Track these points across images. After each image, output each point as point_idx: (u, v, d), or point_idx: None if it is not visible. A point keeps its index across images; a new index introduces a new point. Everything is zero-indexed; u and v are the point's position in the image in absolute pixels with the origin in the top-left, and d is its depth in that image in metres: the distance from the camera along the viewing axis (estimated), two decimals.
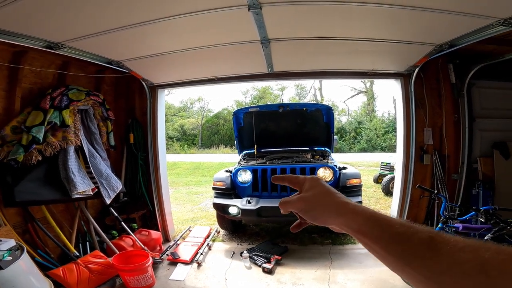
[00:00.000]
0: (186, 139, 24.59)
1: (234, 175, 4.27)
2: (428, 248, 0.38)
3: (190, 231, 4.62)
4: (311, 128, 5.25)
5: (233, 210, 3.91)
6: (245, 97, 26.53)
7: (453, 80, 3.75)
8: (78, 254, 3.04)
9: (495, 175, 3.82)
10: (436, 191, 3.39)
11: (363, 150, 20.09)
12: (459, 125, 3.81)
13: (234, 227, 4.62)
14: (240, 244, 4.24)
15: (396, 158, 4.27)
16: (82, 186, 3.03)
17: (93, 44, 2.61)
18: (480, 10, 2.01)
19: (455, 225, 3.04)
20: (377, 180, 8.39)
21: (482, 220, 2.73)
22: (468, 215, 2.96)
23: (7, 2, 1.77)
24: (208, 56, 3.09)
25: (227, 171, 4.50)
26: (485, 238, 2.58)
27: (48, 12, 1.98)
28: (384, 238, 0.43)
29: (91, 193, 3.17)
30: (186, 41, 2.74)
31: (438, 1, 1.93)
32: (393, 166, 7.54)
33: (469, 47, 2.73)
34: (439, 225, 3.08)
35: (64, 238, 3.04)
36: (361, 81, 23.07)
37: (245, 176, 4.23)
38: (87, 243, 3.41)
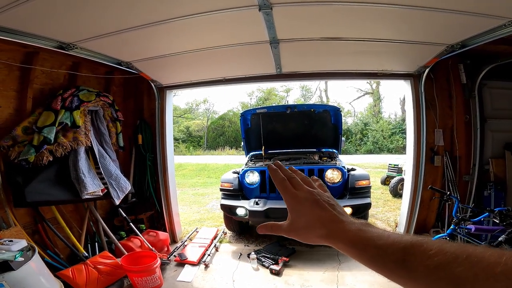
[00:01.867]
0: (191, 141, 24.70)
1: (241, 177, 4.26)
2: (402, 267, 0.40)
3: (197, 232, 4.62)
4: (318, 130, 5.22)
5: (240, 212, 3.90)
6: (250, 98, 26.56)
7: (463, 81, 3.70)
8: (87, 254, 3.06)
9: (507, 177, 3.76)
10: (448, 192, 3.34)
11: (370, 151, 19.92)
12: (470, 126, 3.76)
13: (241, 229, 4.61)
14: (247, 246, 4.22)
15: (406, 160, 4.22)
16: (92, 186, 3.06)
17: (103, 44, 2.64)
18: (493, 11, 1.99)
19: (468, 226, 2.98)
20: (385, 181, 8.30)
21: (496, 221, 2.67)
22: (481, 216, 2.91)
23: (20, 2, 1.79)
24: (217, 57, 3.10)
25: (234, 172, 4.49)
26: (499, 239, 2.53)
27: (60, 13, 2.00)
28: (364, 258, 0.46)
29: (101, 194, 3.20)
30: (196, 42, 2.75)
31: (451, 1, 1.91)
32: (401, 167, 7.45)
33: (480, 47, 2.70)
34: (452, 227, 3.02)
35: (74, 238, 3.07)
36: (367, 82, 22.91)
37: (253, 178, 4.21)
38: (96, 243, 3.43)
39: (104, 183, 3.27)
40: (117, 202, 3.36)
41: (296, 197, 0.54)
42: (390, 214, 5.70)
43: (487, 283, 0.32)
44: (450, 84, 3.77)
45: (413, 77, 3.72)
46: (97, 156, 3.39)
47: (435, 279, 0.36)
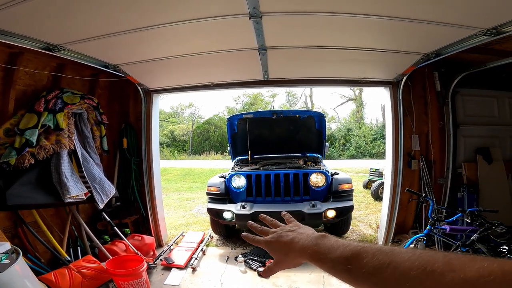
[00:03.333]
0: (176, 145, 24.37)
1: (228, 181, 4.30)
2: (349, 275, 0.47)
3: (183, 236, 4.59)
4: (303, 135, 5.36)
5: (227, 215, 3.93)
6: (237, 103, 26.66)
7: (438, 88, 3.94)
8: (70, 258, 2.98)
9: (479, 179, 3.99)
10: (424, 194, 3.53)
11: (352, 157, 20.45)
12: (444, 131, 3.98)
13: (227, 232, 4.62)
14: (234, 249, 4.24)
15: (386, 164, 4.40)
16: (75, 190, 2.99)
17: (91, 47, 2.62)
18: (465, 21, 2.13)
19: (443, 226, 3.15)
20: (367, 185, 8.57)
21: (468, 221, 2.86)
22: (455, 216, 3.09)
23: (10, 4, 1.78)
24: (205, 62, 3.15)
25: (221, 177, 4.53)
26: (472, 238, 2.70)
27: (48, 14, 1.98)
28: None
29: (84, 198, 3.13)
30: (185, 47, 2.80)
31: (426, 12, 2.05)
32: (381, 172, 7.73)
33: (454, 56, 2.87)
34: (428, 227, 3.19)
35: (55, 242, 2.98)
36: (350, 89, 23.62)
37: (239, 182, 4.26)
38: (78, 247, 3.34)
39: (88, 187, 3.21)
40: (101, 206, 3.30)
41: (267, 243, 0.65)
42: (372, 217, 5.90)
43: (405, 285, 0.39)
44: (426, 92, 4.00)
45: (392, 85, 3.93)
46: (81, 160, 3.33)
47: (372, 283, 0.43)
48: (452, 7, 1.96)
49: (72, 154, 3.31)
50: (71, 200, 3.02)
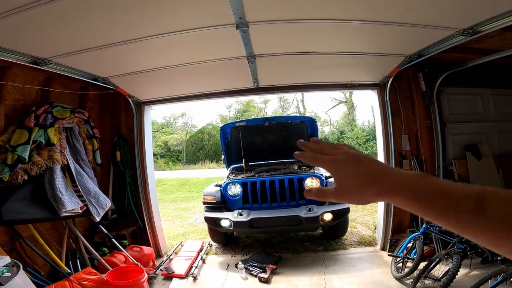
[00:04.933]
0: (170, 155, 24.21)
1: (224, 189, 4.31)
2: (478, 216, 0.37)
3: (182, 245, 4.57)
4: (296, 140, 5.37)
5: (225, 223, 3.93)
6: (229, 111, 26.72)
7: (423, 88, 4.04)
8: (70, 271, 2.95)
9: (470, 176, 4.07)
10: None
11: None
12: (432, 130, 4.07)
13: (226, 240, 4.61)
14: (234, 256, 4.22)
15: None
16: (71, 204, 2.97)
17: (79, 60, 2.63)
18: (442, 22, 2.23)
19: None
20: None
21: None
22: None
23: None
24: (196, 72, 3.20)
25: (216, 185, 4.53)
26: None
27: (35, 28, 1.99)
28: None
29: (80, 211, 3.12)
30: (174, 58, 2.84)
31: (406, 15, 2.14)
32: None
33: (436, 56, 2.97)
34: (424, 226, 3.27)
35: (54, 255, 2.97)
36: (341, 92, 23.95)
37: (235, 190, 4.27)
38: (77, 260, 3.32)
39: (83, 201, 3.19)
40: (98, 219, 3.28)
41: (337, 161, 0.51)
42: (369, 218, 5.93)
43: None
44: (412, 92, 4.10)
45: (379, 87, 4.02)
46: (74, 174, 3.31)
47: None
48: (429, 9, 2.05)
49: (66, 168, 3.29)
50: (67, 214, 3.00)
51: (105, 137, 4.20)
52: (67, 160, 3.24)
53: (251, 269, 3.60)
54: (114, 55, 2.62)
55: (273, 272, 3.55)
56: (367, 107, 26.80)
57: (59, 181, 3.01)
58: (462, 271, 2.83)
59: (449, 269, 2.65)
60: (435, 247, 3.58)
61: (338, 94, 24.85)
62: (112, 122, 4.43)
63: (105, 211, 3.40)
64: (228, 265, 3.88)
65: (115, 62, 2.84)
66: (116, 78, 3.24)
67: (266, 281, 3.36)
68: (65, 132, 3.38)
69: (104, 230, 3.62)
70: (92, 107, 4.21)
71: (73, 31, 2.11)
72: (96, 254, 3.35)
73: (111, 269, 3.13)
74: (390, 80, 3.80)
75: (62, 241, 3.23)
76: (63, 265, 2.97)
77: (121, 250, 3.55)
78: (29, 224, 2.94)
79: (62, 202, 2.88)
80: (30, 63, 2.46)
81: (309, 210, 3.85)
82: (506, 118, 4.30)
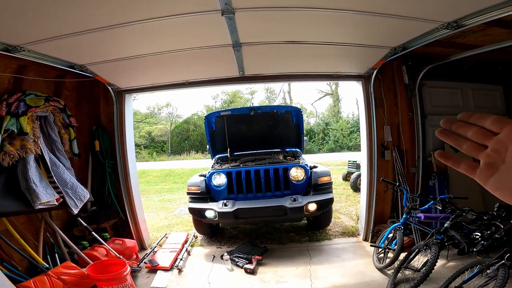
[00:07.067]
0: (154, 146, 23.75)
1: (208, 179, 4.26)
2: None
3: (167, 237, 4.51)
4: (282, 130, 5.41)
5: (209, 214, 3.90)
6: (215, 101, 26.41)
7: (406, 81, 4.13)
8: (48, 266, 2.85)
9: (448, 167, 4.22)
10: (398, 184, 3.69)
11: (331, 150, 20.99)
12: (413, 122, 4.18)
13: (211, 231, 4.60)
14: (220, 248, 4.22)
15: (361, 156, 4.55)
16: (46, 196, 2.84)
17: (54, 47, 2.48)
18: (426, 15, 2.23)
19: (418, 215, 3.30)
20: (346, 177, 8.82)
21: (440, 208, 3.00)
22: (428, 204, 3.24)
23: None
24: (179, 59, 3.09)
25: (201, 176, 4.47)
26: (445, 225, 2.84)
27: (7, 13, 1.85)
28: None
29: (56, 203, 2.98)
30: (157, 45, 2.72)
31: (390, 6, 2.12)
32: (359, 164, 7.99)
33: (420, 49, 3.01)
34: (404, 216, 3.33)
35: (31, 250, 2.84)
36: (327, 84, 24.17)
37: (220, 180, 4.23)
38: (56, 254, 3.20)
39: (59, 192, 3.06)
40: (76, 211, 3.16)
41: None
42: (352, 208, 6.08)
43: None
44: (395, 84, 4.17)
45: (363, 78, 4.06)
46: (49, 165, 3.15)
47: None
48: (415, 1, 2.05)
49: (40, 159, 3.13)
50: (42, 207, 2.87)
51: (83, 126, 4.02)
52: (41, 149, 3.07)
53: (237, 260, 3.61)
54: (92, 42, 2.47)
55: (259, 263, 3.58)
56: (352, 100, 27.26)
57: (33, 172, 2.86)
58: (439, 262, 2.93)
59: (427, 259, 2.72)
60: (414, 237, 3.72)
61: (324, 86, 25.10)
62: (90, 111, 4.23)
63: (83, 203, 3.28)
64: (214, 256, 3.87)
65: (93, 49, 2.68)
66: (94, 65, 3.08)
67: (252, 272, 3.38)
68: (39, 121, 3.20)
69: (83, 223, 3.50)
70: (69, 95, 4.00)
71: (47, 16, 1.97)
72: (75, 248, 3.24)
73: (91, 262, 3.05)
74: (375, 72, 3.83)
75: (38, 235, 3.10)
76: (40, 260, 2.85)
77: (102, 243, 3.46)
78: (2, 217, 2.79)
79: (36, 194, 2.75)
80: (1, 50, 2.29)
81: (294, 200, 3.89)
82: (484, 112, 4.43)
